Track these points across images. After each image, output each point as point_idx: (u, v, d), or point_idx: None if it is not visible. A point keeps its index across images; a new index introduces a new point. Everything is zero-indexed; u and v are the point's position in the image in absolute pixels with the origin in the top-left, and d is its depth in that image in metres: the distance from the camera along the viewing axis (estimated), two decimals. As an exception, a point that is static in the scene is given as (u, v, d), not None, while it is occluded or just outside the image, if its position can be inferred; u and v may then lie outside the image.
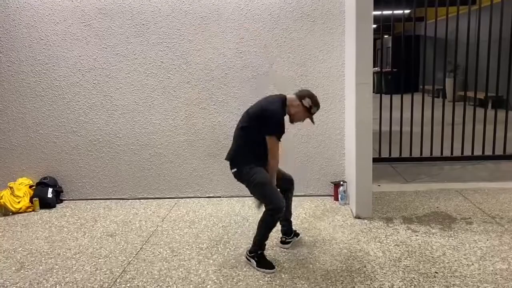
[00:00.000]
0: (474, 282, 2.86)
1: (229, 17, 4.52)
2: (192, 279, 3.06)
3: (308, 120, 3.29)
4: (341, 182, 4.47)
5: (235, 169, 3.22)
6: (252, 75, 4.58)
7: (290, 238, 3.56)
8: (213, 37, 4.55)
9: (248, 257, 3.26)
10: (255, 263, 3.20)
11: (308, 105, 3.17)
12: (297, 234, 3.65)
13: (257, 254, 3.22)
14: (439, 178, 5.24)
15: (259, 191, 3.16)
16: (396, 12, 5.84)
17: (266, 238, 3.23)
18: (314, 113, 3.24)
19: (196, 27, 4.55)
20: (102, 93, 4.70)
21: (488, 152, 5.77)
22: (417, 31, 6.10)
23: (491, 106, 6.05)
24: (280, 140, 3.13)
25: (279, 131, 3.09)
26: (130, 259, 3.39)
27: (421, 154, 5.83)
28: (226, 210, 4.41)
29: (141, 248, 3.59)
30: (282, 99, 3.19)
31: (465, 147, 5.76)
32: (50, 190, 4.68)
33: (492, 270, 2.99)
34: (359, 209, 4.07)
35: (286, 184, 3.42)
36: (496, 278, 2.89)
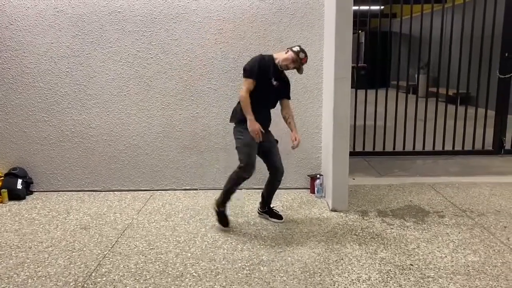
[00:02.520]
0: (447, 274, 2.94)
1: (208, 7, 4.45)
2: (169, 272, 3.02)
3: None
4: (318, 176, 4.51)
5: (233, 124, 3.65)
6: (231, 67, 4.54)
7: (262, 211, 3.94)
8: (192, 27, 4.48)
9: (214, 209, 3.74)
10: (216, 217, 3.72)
11: (296, 50, 3.49)
12: (276, 216, 3.89)
13: (218, 211, 3.69)
14: (412, 172, 5.36)
15: (239, 149, 3.56)
16: (372, 7, 5.90)
17: (229, 196, 3.65)
18: (302, 58, 3.50)
19: (174, 16, 4.46)
20: (75, 82, 4.56)
21: (458, 147, 5.94)
22: (391, 28, 6.22)
23: (459, 103, 6.26)
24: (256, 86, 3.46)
25: (250, 73, 3.44)
26: (105, 253, 3.32)
27: (394, 148, 5.94)
28: (203, 203, 4.37)
29: (116, 241, 3.52)
30: (268, 55, 3.58)
31: (436, 142, 5.92)
32: (19, 181, 4.52)
33: (464, 262, 3.09)
34: (335, 202, 4.12)
35: (270, 163, 3.74)
36: (468, 270, 2.98)
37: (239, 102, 3.55)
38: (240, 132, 3.55)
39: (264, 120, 3.60)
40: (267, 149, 3.67)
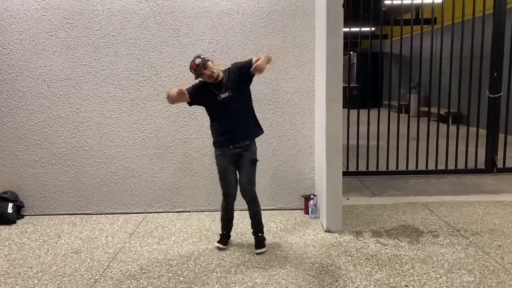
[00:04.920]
0: (443, 294, 2.92)
1: (200, 30, 4.50)
2: (162, 297, 2.97)
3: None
4: (312, 196, 4.50)
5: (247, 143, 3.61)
6: (223, 89, 4.56)
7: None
8: (185, 49, 4.52)
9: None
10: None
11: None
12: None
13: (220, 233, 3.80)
14: (405, 191, 5.36)
15: (255, 169, 3.66)
16: (363, 29, 6.00)
17: (223, 222, 3.80)
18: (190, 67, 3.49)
19: (166, 39, 4.51)
20: (68, 105, 4.56)
21: (451, 166, 5.97)
22: (382, 49, 6.36)
23: (451, 122, 6.33)
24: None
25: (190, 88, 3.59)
26: (96, 277, 3.27)
27: (387, 168, 5.95)
28: (196, 225, 4.33)
29: (108, 266, 3.46)
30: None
31: (429, 161, 5.94)
32: (10, 205, 4.47)
33: (459, 283, 3.06)
34: (329, 223, 4.10)
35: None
36: (463, 291, 2.96)
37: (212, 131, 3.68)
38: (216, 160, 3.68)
39: (233, 133, 3.54)
40: (238, 167, 3.64)
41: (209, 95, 3.53)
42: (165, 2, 4.46)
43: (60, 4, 4.43)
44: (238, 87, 3.53)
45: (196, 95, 3.56)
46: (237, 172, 3.66)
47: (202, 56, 3.46)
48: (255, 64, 3.33)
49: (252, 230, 3.76)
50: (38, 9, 4.42)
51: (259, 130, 3.74)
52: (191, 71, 3.50)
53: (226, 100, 3.50)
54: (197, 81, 3.59)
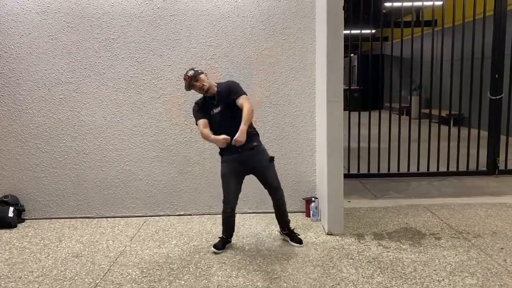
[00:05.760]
0: (445, 297, 2.90)
1: (201, 33, 4.50)
2: (163, 301, 2.96)
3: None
4: (313, 198, 4.49)
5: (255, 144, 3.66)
6: (223, 92, 4.56)
7: (283, 232, 3.95)
8: (185, 52, 4.52)
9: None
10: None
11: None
12: (296, 240, 3.86)
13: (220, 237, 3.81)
14: (407, 194, 5.34)
15: (274, 166, 3.76)
16: (363, 31, 6.00)
17: (224, 227, 3.79)
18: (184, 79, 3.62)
19: (167, 42, 4.51)
20: (69, 108, 4.56)
21: (453, 168, 5.95)
22: (383, 51, 6.36)
23: (452, 124, 6.33)
24: None
25: (195, 118, 3.72)
26: (97, 281, 3.25)
27: (388, 170, 5.94)
28: (197, 228, 4.32)
29: (108, 270, 3.45)
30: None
31: (430, 163, 5.92)
32: (11, 209, 4.46)
33: (462, 286, 3.05)
34: (331, 225, 4.08)
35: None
36: (466, 293, 2.94)
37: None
38: (221, 165, 3.72)
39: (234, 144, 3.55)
40: (257, 172, 3.69)
41: (206, 108, 3.64)
42: (166, 5, 4.46)
43: (61, 8, 4.43)
44: (227, 104, 3.61)
45: (204, 117, 3.66)
46: (257, 177, 3.72)
47: (195, 69, 3.61)
48: (235, 138, 3.41)
49: (282, 227, 3.91)
50: (38, 13, 4.43)
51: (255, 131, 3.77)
52: (184, 82, 3.63)
53: (220, 113, 3.61)
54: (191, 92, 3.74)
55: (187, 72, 3.59)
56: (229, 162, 3.64)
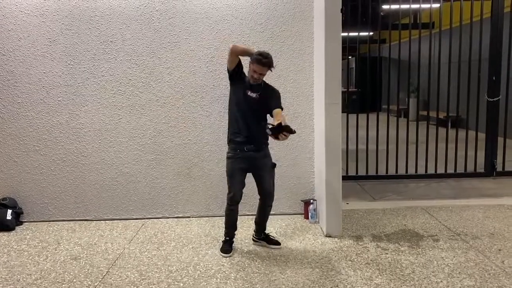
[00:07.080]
0: (443, 299, 2.91)
1: (199, 35, 4.51)
2: (161, 303, 2.96)
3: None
4: (311, 201, 4.49)
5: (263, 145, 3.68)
6: (222, 94, 4.56)
7: (258, 238, 3.94)
8: (184, 55, 4.53)
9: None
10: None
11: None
12: (273, 242, 3.88)
13: (223, 240, 3.79)
14: (405, 195, 5.35)
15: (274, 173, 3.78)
16: (361, 34, 6.03)
17: (228, 226, 3.76)
18: (252, 63, 3.48)
19: (166, 45, 4.52)
20: (67, 111, 4.56)
21: (451, 170, 5.96)
22: (381, 53, 6.37)
23: (450, 126, 6.36)
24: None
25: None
26: (96, 284, 3.25)
27: (387, 172, 5.95)
28: (196, 230, 4.32)
29: (107, 272, 3.45)
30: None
31: (428, 165, 5.94)
32: (9, 211, 4.45)
33: (460, 287, 3.05)
34: (329, 228, 4.09)
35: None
36: (464, 295, 2.95)
37: (228, 128, 3.71)
38: (226, 160, 3.68)
39: (248, 136, 3.58)
40: (259, 173, 3.69)
41: (243, 84, 3.59)
42: (164, 8, 4.47)
43: (59, 10, 4.44)
44: (264, 100, 3.57)
45: (240, 69, 3.60)
46: (256, 178, 3.71)
47: (273, 63, 3.52)
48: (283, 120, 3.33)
49: (259, 232, 3.90)
50: (37, 16, 4.43)
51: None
52: (270, 60, 3.48)
53: (252, 99, 3.56)
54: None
55: (268, 54, 3.47)
56: (236, 158, 3.62)
